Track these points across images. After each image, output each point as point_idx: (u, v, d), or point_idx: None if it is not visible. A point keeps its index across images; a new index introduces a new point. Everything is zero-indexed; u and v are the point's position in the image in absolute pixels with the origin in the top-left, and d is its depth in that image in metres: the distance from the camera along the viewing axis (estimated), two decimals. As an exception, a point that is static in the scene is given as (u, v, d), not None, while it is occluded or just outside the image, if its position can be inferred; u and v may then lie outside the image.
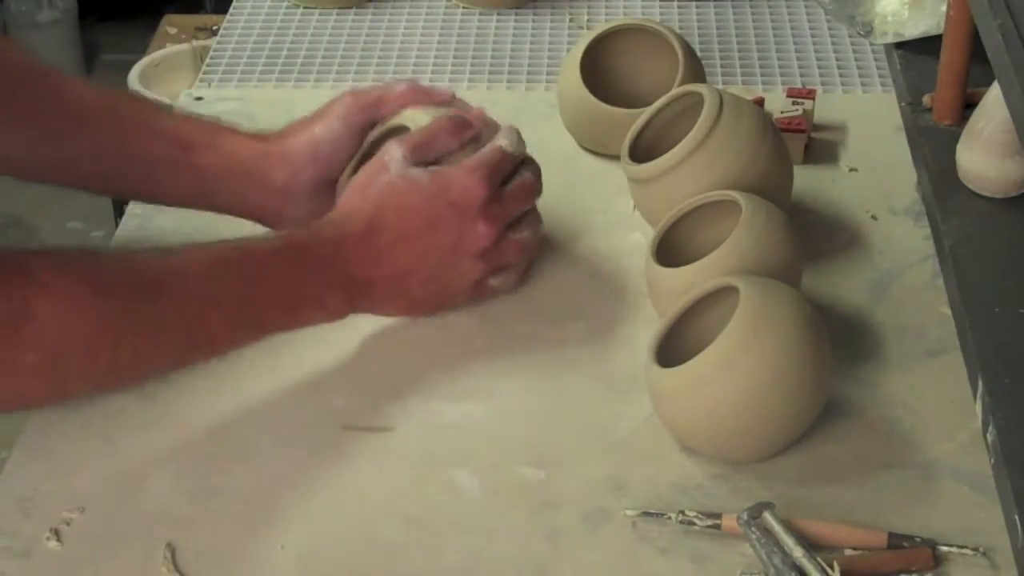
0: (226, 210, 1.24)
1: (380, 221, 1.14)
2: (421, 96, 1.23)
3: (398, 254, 1.14)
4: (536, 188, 1.21)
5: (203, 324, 1.05)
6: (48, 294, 0.96)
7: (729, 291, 1.05)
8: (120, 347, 1.00)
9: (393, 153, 1.16)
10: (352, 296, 1.13)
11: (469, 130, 1.19)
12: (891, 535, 0.98)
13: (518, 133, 1.20)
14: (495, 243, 1.16)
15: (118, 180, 1.23)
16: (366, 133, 1.23)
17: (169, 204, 1.26)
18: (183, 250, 1.08)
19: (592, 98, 1.34)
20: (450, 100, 1.24)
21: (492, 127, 1.21)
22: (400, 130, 1.19)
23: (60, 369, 0.98)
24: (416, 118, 1.19)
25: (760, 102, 1.37)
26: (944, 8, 1.32)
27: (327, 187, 1.22)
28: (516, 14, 1.63)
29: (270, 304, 1.09)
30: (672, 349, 1.06)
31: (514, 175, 1.19)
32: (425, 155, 1.16)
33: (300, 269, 1.11)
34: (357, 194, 1.16)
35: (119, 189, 1.30)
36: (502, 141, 1.18)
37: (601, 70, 1.38)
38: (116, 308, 1.00)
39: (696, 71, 1.36)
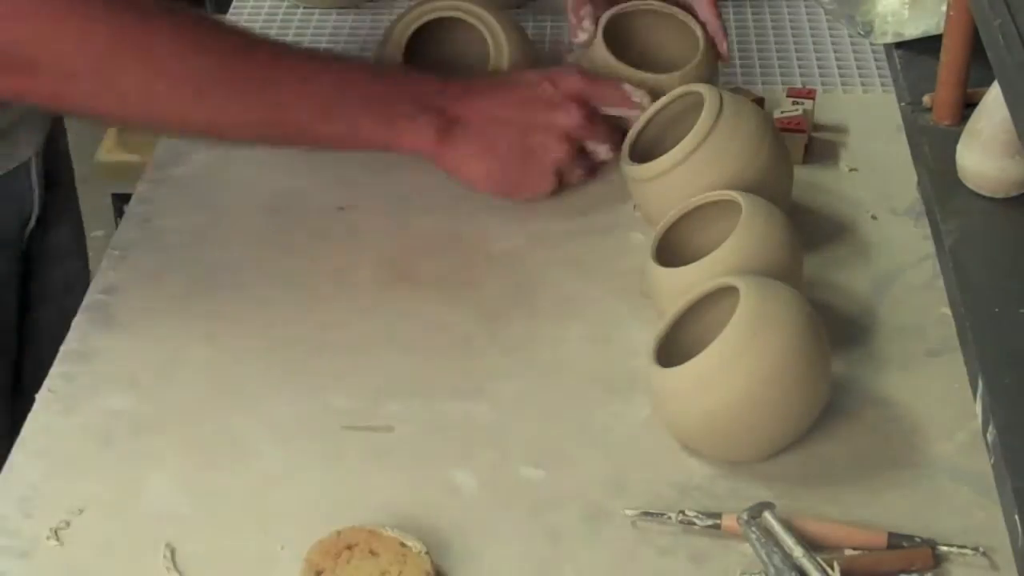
0: None
1: (483, 87, 1.29)
2: None
3: (487, 100, 1.27)
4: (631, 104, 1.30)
5: (284, 104, 1.18)
6: (155, 31, 1.11)
7: (729, 291, 1.05)
8: (205, 98, 1.14)
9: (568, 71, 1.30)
10: (442, 128, 1.24)
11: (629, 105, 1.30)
12: (891, 535, 0.98)
13: (647, 101, 1.29)
14: (581, 123, 1.27)
15: None
16: None
17: None
18: (281, 46, 1.23)
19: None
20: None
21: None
22: None
23: (151, 95, 1.12)
24: None
25: (760, 102, 1.37)
26: (944, 8, 1.31)
27: None
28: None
29: (360, 108, 1.22)
30: (672, 349, 1.06)
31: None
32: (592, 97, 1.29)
33: (391, 86, 1.25)
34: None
35: None
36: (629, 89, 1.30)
37: (620, 51, 1.36)
38: (206, 64, 1.14)
39: (712, 57, 1.36)
